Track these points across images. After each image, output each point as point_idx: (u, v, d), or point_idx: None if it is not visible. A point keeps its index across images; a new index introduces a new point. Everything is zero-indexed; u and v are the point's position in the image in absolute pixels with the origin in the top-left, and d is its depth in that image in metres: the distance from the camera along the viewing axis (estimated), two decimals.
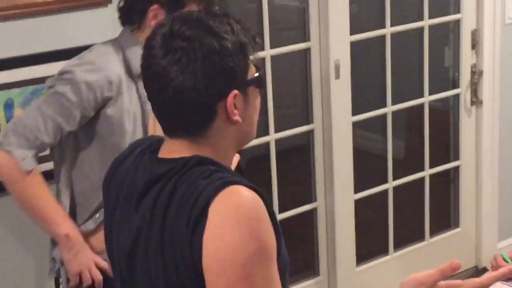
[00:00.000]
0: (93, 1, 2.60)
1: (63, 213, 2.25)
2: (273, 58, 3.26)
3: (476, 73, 3.76)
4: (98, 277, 2.24)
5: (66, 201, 2.30)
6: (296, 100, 3.66)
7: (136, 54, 2.04)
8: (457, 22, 3.73)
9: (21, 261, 2.75)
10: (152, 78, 1.49)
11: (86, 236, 2.29)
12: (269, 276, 1.41)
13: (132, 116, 2.22)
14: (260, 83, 1.55)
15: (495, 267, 2.58)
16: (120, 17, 2.27)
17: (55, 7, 2.52)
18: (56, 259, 2.34)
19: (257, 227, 1.39)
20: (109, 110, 2.17)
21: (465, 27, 3.72)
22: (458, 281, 1.61)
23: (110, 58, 2.20)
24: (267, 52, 3.22)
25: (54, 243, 2.32)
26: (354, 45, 3.39)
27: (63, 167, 2.28)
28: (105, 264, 2.23)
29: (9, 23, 2.46)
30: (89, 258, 2.25)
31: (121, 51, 2.23)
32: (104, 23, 2.62)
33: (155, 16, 2.15)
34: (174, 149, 1.52)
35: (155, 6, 2.14)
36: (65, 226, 2.22)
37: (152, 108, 1.54)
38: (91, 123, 2.19)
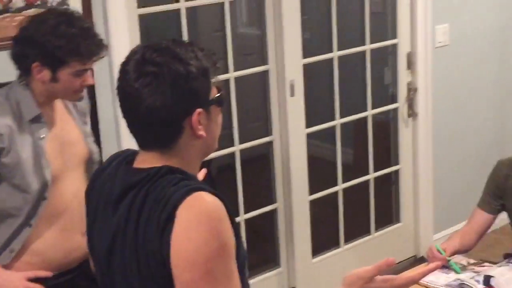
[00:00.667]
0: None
1: None
2: (237, 79, 3.30)
3: (412, 90, 3.83)
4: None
5: None
6: (257, 115, 3.67)
7: (26, 103, 2.08)
8: (395, 46, 3.80)
9: None
10: (126, 98, 1.51)
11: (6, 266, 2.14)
12: (228, 270, 1.43)
13: (31, 156, 2.09)
14: (220, 102, 1.56)
15: (431, 257, 2.65)
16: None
17: None
18: None
19: (218, 227, 1.40)
20: (5, 159, 2.05)
21: (401, 50, 3.80)
22: (393, 276, 1.65)
23: None
24: (231, 74, 3.27)
25: None
26: (306, 67, 3.43)
27: None
28: (35, 273, 2.12)
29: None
30: (16, 279, 2.10)
31: (10, 101, 2.08)
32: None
33: (39, 71, 2.04)
34: (146, 160, 1.54)
35: (36, 64, 2.02)
36: None
37: (127, 125, 1.54)
38: None
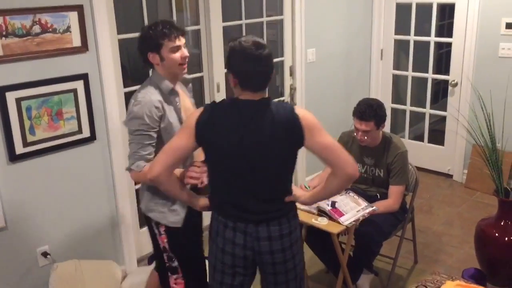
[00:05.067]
0: (78, 50, 2.50)
1: None
2: None
3: (292, 89, 3.85)
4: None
5: None
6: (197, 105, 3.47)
7: (162, 82, 1.98)
8: (282, 61, 3.80)
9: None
10: (256, 59, 1.56)
11: None
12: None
13: (176, 119, 1.99)
14: None
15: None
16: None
17: (53, 53, 2.41)
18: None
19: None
20: (162, 124, 1.95)
21: (286, 64, 3.82)
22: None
23: (151, 92, 1.97)
24: None
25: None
26: (226, 75, 3.39)
27: None
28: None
29: (28, 62, 2.36)
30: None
31: (153, 85, 1.99)
32: (83, 62, 2.55)
33: (153, 58, 1.96)
34: (258, 96, 1.62)
35: (149, 53, 1.96)
36: None
37: (250, 80, 1.58)
38: (159, 132, 1.97)
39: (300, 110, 1.66)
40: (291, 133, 1.61)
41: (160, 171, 1.68)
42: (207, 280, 1.93)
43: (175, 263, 2.09)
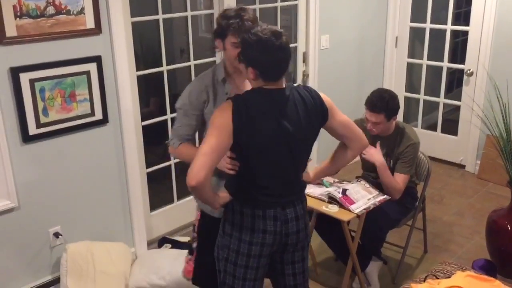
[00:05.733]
0: (92, 32, 2.50)
1: None
2: (195, 66, 3.16)
3: (305, 75, 3.85)
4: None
5: None
6: None
7: (218, 70, 1.95)
8: (295, 47, 3.76)
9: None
10: (278, 49, 1.56)
11: None
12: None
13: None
14: None
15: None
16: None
17: (67, 35, 2.41)
18: None
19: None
20: (206, 110, 1.93)
21: (299, 50, 3.79)
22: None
23: (206, 75, 1.96)
24: (192, 63, 3.15)
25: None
26: None
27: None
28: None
29: (42, 43, 2.36)
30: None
31: (212, 71, 1.97)
32: (96, 44, 2.55)
33: (219, 43, 1.91)
34: (280, 84, 1.63)
35: (216, 40, 1.91)
36: None
37: (272, 71, 1.58)
38: (203, 117, 1.96)
39: (320, 93, 1.76)
40: (321, 115, 1.71)
41: (205, 175, 1.55)
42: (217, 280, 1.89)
43: (194, 245, 2.12)
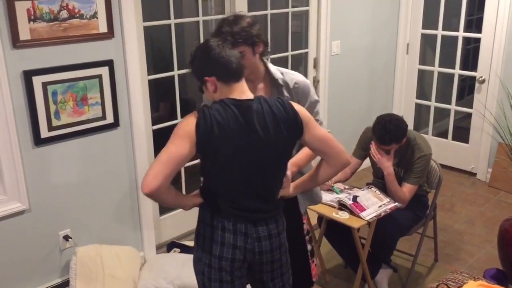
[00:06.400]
0: (104, 36, 2.50)
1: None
2: None
3: (316, 81, 3.83)
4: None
5: None
6: None
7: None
8: (306, 53, 3.77)
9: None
10: (218, 46, 1.57)
11: None
12: None
13: None
14: None
15: None
16: None
17: (80, 38, 2.41)
18: None
19: None
20: None
21: (310, 56, 3.78)
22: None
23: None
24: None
25: None
26: None
27: None
28: None
29: (55, 47, 2.36)
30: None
31: None
32: (109, 48, 2.55)
33: (243, 49, 1.84)
34: (246, 92, 1.58)
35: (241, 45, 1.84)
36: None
37: (224, 67, 1.51)
38: None
39: (296, 105, 1.63)
40: (294, 129, 1.59)
41: (160, 184, 1.50)
42: None
43: (310, 246, 2.15)
